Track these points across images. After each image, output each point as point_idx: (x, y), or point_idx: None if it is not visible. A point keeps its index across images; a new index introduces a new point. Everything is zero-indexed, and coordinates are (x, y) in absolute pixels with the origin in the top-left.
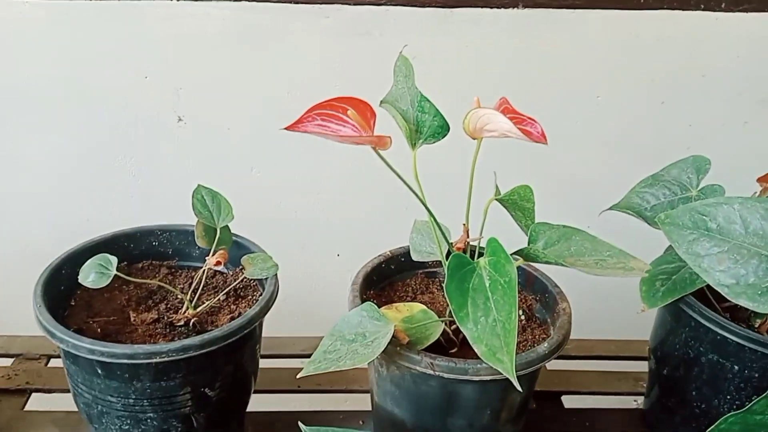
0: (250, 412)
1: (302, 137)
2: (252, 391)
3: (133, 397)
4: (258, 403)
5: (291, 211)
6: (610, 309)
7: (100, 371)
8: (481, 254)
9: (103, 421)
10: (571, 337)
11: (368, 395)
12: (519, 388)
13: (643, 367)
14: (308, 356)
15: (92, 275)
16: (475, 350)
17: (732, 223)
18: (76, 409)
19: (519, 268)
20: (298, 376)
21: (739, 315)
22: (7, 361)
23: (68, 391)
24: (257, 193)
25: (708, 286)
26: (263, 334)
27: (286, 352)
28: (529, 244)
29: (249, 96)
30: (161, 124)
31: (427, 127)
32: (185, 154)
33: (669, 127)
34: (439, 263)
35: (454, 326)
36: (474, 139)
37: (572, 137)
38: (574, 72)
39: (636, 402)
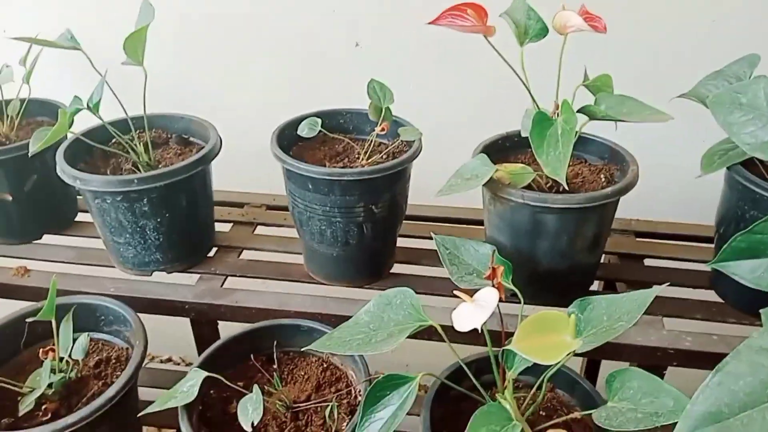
0: (399, 247)
1: (451, 61)
2: (402, 218)
3: (329, 206)
4: (404, 243)
5: (439, 120)
6: (702, 200)
7: (310, 186)
8: None
9: (309, 223)
10: (665, 219)
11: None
12: (565, 186)
13: None
14: (444, 219)
15: (306, 129)
16: (545, 171)
17: (757, 98)
18: (286, 235)
19: (606, 146)
20: (433, 196)
21: None
22: (239, 208)
23: (280, 225)
24: (416, 104)
25: (763, 166)
26: (414, 203)
27: (428, 215)
28: (594, 104)
29: (409, 24)
30: (343, 48)
31: (532, 29)
32: (359, 72)
33: None
34: None
35: (548, 183)
36: (561, 34)
37: (684, 58)
38: None
39: None
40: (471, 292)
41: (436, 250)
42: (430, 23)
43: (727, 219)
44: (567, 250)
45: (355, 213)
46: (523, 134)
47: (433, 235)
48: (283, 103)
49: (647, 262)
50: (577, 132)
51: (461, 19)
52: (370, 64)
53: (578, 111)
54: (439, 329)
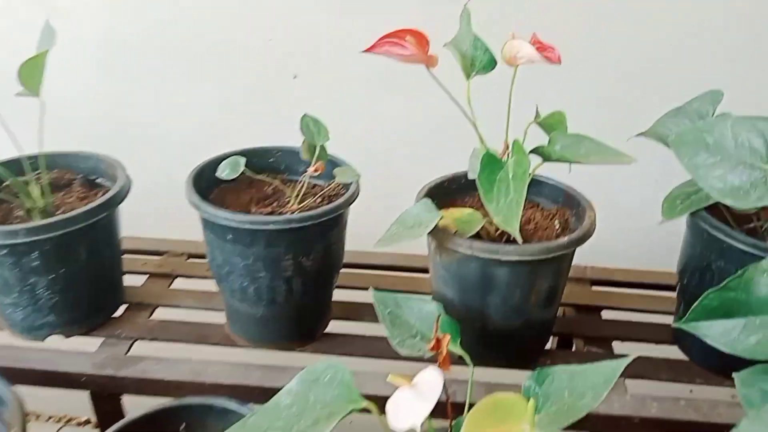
0: (336, 301)
1: (394, 95)
2: (338, 269)
3: (251, 259)
4: (341, 296)
5: (381, 159)
6: (661, 244)
7: (229, 236)
8: None
9: (230, 279)
10: (620, 267)
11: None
12: (519, 240)
13: None
14: (386, 267)
15: (227, 170)
16: (495, 221)
17: (725, 138)
18: (208, 289)
19: (560, 190)
20: (373, 246)
21: (756, 236)
22: (158, 256)
23: (203, 277)
24: (356, 140)
25: (728, 211)
26: (353, 249)
27: (369, 263)
28: (548, 145)
29: (353, 57)
30: (280, 80)
31: (479, 61)
32: (297, 106)
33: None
34: None
35: (499, 231)
36: (511, 66)
37: (642, 94)
38: (633, 39)
39: None
40: (410, 376)
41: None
42: (365, 51)
43: (691, 268)
44: (520, 306)
45: (283, 267)
46: (470, 176)
47: (371, 292)
48: (212, 140)
49: (605, 314)
50: (529, 174)
51: (400, 47)
52: (308, 97)
53: (531, 152)
54: (376, 410)
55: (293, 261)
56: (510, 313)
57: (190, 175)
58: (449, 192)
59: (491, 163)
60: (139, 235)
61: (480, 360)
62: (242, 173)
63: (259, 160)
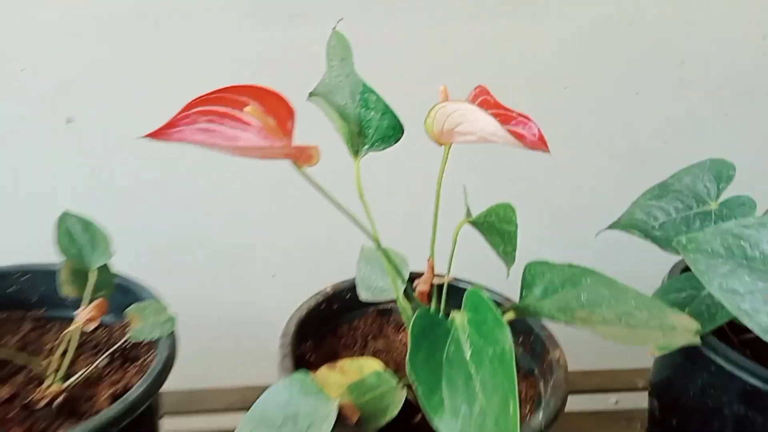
0: None
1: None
2: None
3: None
4: None
5: (215, 226)
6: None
7: None
8: (453, 302)
9: None
10: None
11: None
12: None
13: (633, 402)
14: (233, 408)
15: None
16: None
17: None
18: None
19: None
20: None
21: (762, 349)
22: None
23: None
24: (173, 207)
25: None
26: (179, 387)
27: (204, 407)
28: (523, 292)
29: (154, 93)
30: (45, 127)
31: (374, 128)
32: (78, 165)
33: (644, 119)
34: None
35: None
36: (440, 144)
37: (593, 155)
38: (538, 60)
39: None
40: None
41: None
42: (150, 136)
43: (686, 409)
44: None
45: None
46: (362, 296)
47: None
48: None
49: None
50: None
51: (234, 125)
52: (95, 160)
53: (507, 311)
54: None
55: None
56: None
57: None
58: (329, 318)
59: (429, 326)
60: None
61: None
62: None
63: None
